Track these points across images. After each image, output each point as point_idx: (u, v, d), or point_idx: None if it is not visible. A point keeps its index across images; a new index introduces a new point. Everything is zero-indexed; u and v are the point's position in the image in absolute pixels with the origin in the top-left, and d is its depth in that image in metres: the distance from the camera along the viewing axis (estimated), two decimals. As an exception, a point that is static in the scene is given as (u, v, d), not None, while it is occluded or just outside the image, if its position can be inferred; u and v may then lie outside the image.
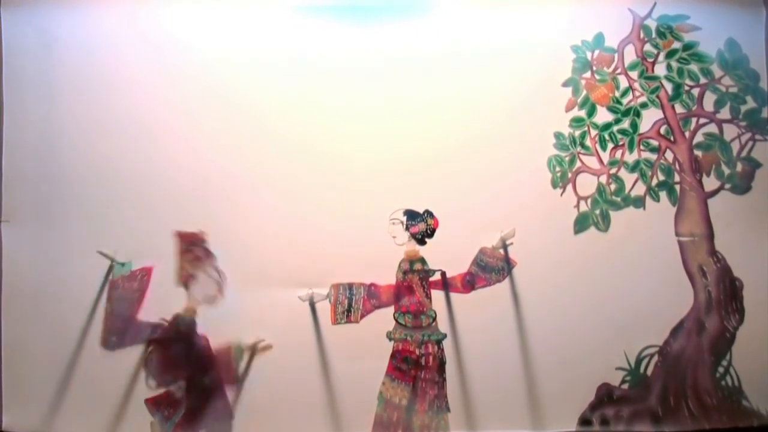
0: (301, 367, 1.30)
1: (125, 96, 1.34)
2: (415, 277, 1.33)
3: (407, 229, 1.33)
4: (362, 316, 1.32)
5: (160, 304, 1.30)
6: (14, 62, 1.34)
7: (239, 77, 1.35)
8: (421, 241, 1.33)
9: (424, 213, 1.33)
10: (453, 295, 1.33)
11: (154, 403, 1.28)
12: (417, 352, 1.31)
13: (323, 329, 1.31)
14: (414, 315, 1.32)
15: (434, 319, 1.32)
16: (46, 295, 1.30)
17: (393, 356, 1.31)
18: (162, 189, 1.33)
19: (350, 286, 1.32)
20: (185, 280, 1.29)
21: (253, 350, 1.30)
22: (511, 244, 1.33)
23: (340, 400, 1.30)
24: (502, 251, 1.33)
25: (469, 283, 1.33)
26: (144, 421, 1.29)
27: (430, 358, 1.31)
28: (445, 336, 1.32)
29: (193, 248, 1.29)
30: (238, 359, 1.29)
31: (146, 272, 1.29)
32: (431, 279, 1.33)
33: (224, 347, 1.29)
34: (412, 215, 1.33)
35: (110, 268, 1.29)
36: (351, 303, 1.31)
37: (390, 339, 1.32)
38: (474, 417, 1.31)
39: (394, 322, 1.32)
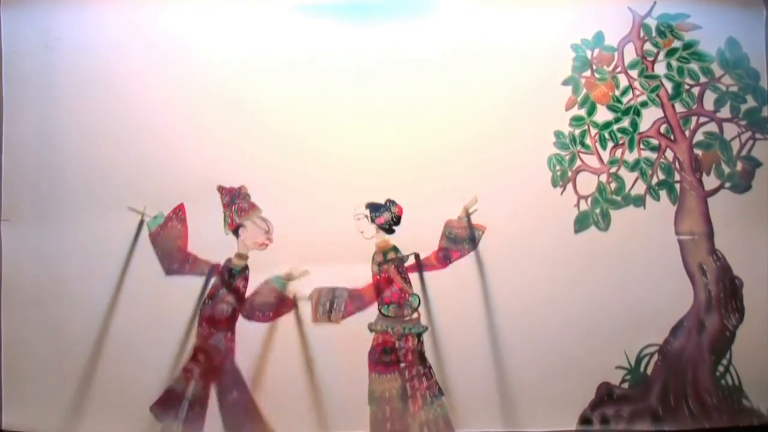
0: (288, 364, 1.30)
1: (125, 95, 1.34)
2: (391, 267, 1.33)
3: (373, 221, 1.33)
4: (344, 317, 1.32)
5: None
6: (14, 62, 1.34)
7: (240, 76, 1.34)
8: (389, 231, 1.34)
9: (386, 202, 1.33)
10: (449, 294, 1.33)
11: (161, 407, 1.28)
12: (396, 344, 1.31)
13: (306, 326, 1.32)
14: (398, 305, 1.32)
15: (417, 307, 1.32)
16: (45, 294, 1.30)
17: (371, 353, 1.31)
18: (162, 187, 1.33)
19: (333, 289, 1.32)
20: (234, 228, 1.32)
21: (290, 277, 1.31)
22: (475, 210, 1.33)
23: (331, 400, 1.30)
24: (466, 221, 1.33)
25: (445, 258, 1.33)
26: (143, 419, 1.29)
27: (409, 353, 1.31)
28: (426, 329, 1.32)
29: (237, 201, 1.32)
30: (279, 288, 1.31)
31: (179, 208, 1.32)
32: (407, 264, 1.33)
33: (262, 284, 1.32)
34: (374, 207, 1.34)
35: (140, 224, 1.31)
36: (332, 305, 1.31)
37: (371, 330, 1.31)
38: (474, 416, 1.31)
39: (377, 313, 1.32)
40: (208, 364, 1.29)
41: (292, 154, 1.34)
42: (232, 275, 1.32)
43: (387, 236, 1.34)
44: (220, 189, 1.32)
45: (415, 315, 1.32)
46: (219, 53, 1.35)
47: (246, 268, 1.32)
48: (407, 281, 1.33)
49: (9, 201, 1.32)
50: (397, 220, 1.33)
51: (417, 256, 1.33)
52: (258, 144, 1.34)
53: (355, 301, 1.32)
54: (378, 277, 1.33)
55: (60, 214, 1.32)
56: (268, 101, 1.34)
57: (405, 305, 1.32)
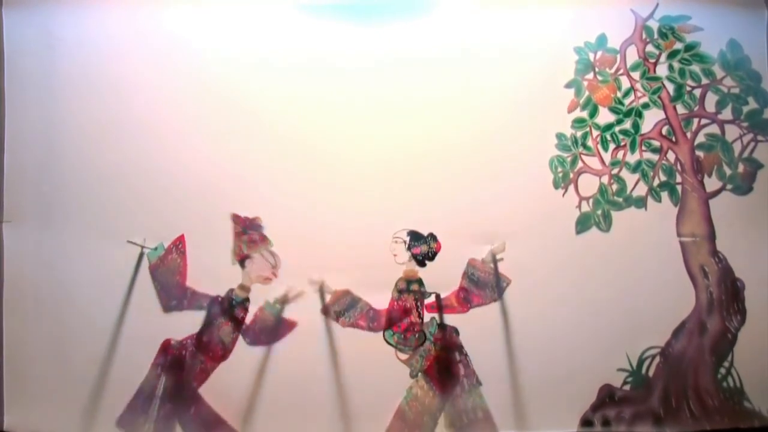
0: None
1: (128, 96, 1.34)
2: (410, 298, 1.32)
3: (409, 249, 1.32)
4: (349, 326, 1.31)
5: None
6: (17, 62, 1.34)
7: (242, 77, 1.35)
8: (422, 263, 1.33)
9: (428, 236, 1.32)
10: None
11: (129, 413, 1.27)
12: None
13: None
14: (404, 336, 1.31)
15: (423, 341, 1.31)
16: (47, 295, 1.30)
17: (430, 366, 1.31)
18: (164, 188, 1.33)
19: (358, 299, 1.32)
20: (241, 259, 1.31)
21: (285, 300, 1.30)
22: (502, 259, 1.32)
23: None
24: (492, 266, 1.32)
25: (466, 300, 1.32)
26: (145, 421, 1.29)
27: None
28: (440, 326, 1.31)
29: (249, 231, 1.31)
30: (274, 315, 1.30)
31: (179, 240, 1.31)
32: (426, 301, 1.33)
33: (257, 312, 1.31)
34: (415, 236, 1.32)
35: (140, 257, 1.31)
36: (347, 309, 1.31)
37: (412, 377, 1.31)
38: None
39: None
40: (175, 361, 1.28)
41: (294, 155, 1.34)
42: (232, 305, 1.31)
43: (417, 267, 1.32)
44: (235, 217, 1.31)
45: (420, 339, 1.31)
46: (220, 53, 1.35)
47: (247, 299, 1.31)
48: (420, 316, 1.32)
49: (11, 202, 1.32)
50: (432, 256, 1.32)
51: (438, 296, 1.32)
52: (260, 145, 1.33)
53: (369, 319, 1.31)
54: (395, 303, 1.32)
55: (62, 216, 1.32)
56: (271, 102, 1.34)
57: (409, 339, 1.31)
